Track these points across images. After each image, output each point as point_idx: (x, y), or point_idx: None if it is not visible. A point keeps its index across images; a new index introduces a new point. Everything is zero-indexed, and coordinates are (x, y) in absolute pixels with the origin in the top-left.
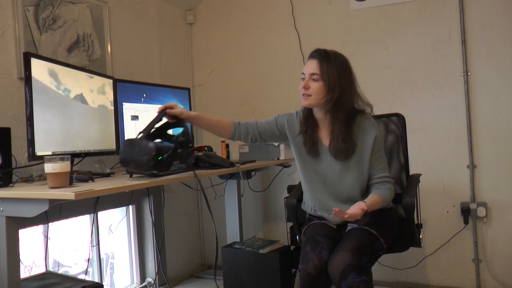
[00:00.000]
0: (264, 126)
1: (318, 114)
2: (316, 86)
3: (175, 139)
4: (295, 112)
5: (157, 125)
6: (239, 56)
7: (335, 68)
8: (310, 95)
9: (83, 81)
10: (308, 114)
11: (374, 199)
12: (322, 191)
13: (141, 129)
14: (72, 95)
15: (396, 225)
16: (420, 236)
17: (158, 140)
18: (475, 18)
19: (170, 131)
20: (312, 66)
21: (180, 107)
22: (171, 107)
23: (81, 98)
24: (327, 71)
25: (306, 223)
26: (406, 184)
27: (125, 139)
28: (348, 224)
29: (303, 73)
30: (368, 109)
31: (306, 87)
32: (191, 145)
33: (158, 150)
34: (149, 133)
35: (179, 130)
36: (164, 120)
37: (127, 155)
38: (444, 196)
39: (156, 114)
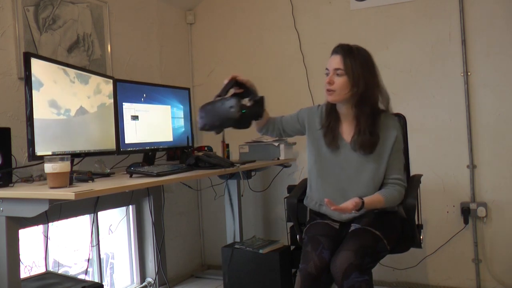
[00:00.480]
0: (288, 121)
1: (342, 109)
2: (340, 81)
3: (251, 98)
4: (317, 106)
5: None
6: (239, 56)
7: (358, 63)
8: (334, 90)
9: (80, 92)
10: (331, 109)
11: (375, 197)
12: (333, 185)
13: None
14: (73, 113)
15: (400, 226)
16: (421, 237)
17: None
18: (475, 18)
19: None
20: (336, 61)
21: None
22: (237, 76)
23: (81, 111)
24: (351, 66)
25: (308, 223)
26: (407, 185)
27: (202, 105)
28: (352, 224)
29: (326, 69)
30: (384, 104)
31: (330, 82)
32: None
33: (240, 102)
34: (226, 93)
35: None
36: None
37: (210, 115)
38: (444, 196)
39: (225, 83)
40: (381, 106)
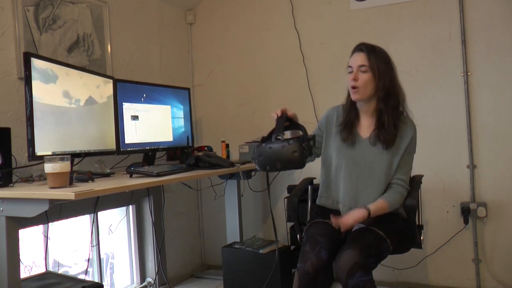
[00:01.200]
0: (316, 139)
1: (364, 106)
2: (365, 78)
3: (303, 137)
4: (336, 106)
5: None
6: (239, 56)
7: (381, 59)
8: (359, 87)
9: (89, 82)
10: (351, 106)
11: (380, 204)
12: (347, 181)
13: (265, 134)
14: (82, 103)
15: (402, 227)
16: (421, 237)
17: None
18: (475, 18)
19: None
20: (360, 58)
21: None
22: (284, 110)
23: (90, 101)
24: (375, 62)
25: (309, 222)
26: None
27: (259, 144)
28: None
29: (350, 66)
30: (401, 103)
31: (355, 79)
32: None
33: (302, 147)
34: (282, 132)
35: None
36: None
37: (272, 158)
38: (444, 196)
39: (276, 116)
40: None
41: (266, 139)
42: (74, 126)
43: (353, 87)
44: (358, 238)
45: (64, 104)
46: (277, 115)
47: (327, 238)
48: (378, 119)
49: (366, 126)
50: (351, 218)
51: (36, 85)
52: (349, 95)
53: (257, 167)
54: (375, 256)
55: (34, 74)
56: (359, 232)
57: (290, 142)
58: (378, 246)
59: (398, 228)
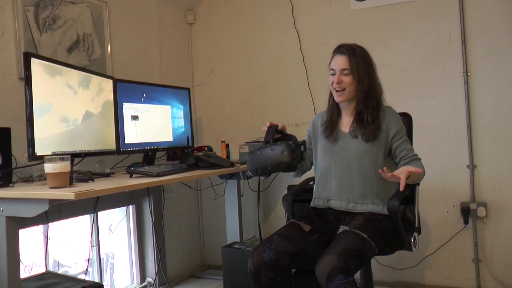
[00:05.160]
0: (308, 147)
1: (346, 106)
2: (348, 80)
3: (294, 142)
4: (322, 112)
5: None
6: (239, 56)
7: (361, 61)
8: (343, 89)
9: (83, 97)
10: (333, 106)
11: (417, 166)
12: (338, 176)
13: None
14: (79, 121)
15: (389, 229)
16: (412, 240)
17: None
18: (475, 18)
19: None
20: (342, 61)
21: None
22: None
23: (87, 115)
24: (356, 65)
25: (287, 219)
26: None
27: (250, 151)
28: (340, 226)
29: (332, 69)
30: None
31: (339, 82)
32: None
33: (290, 146)
34: (272, 139)
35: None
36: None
37: (263, 160)
38: (444, 196)
39: (264, 129)
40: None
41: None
42: (74, 128)
43: (337, 90)
44: (338, 241)
45: (63, 130)
46: (267, 127)
47: (285, 240)
48: (357, 116)
49: (347, 123)
50: (402, 172)
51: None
52: (331, 95)
53: (249, 173)
54: (357, 259)
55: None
56: (341, 235)
57: (278, 143)
58: (360, 248)
59: (384, 230)
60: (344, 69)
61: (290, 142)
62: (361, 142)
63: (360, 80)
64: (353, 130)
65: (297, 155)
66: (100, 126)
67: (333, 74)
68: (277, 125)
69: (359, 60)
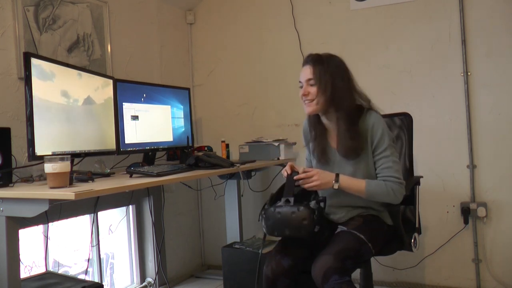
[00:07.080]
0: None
1: (325, 120)
2: (314, 91)
3: (313, 198)
4: (307, 117)
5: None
6: (239, 56)
7: (328, 70)
8: (311, 100)
9: (88, 83)
10: (315, 122)
11: (355, 179)
12: (332, 195)
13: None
14: (80, 103)
15: (386, 230)
16: (412, 241)
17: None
18: (475, 18)
19: None
20: (307, 72)
21: (299, 166)
22: (293, 167)
23: (88, 101)
24: (319, 75)
25: None
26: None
27: (268, 206)
28: (338, 226)
29: (300, 81)
30: (366, 104)
31: (305, 94)
32: (323, 203)
33: (313, 215)
34: (293, 195)
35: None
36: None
37: (280, 223)
38: (444, 196)
39: (286, 174)
40: (361, 104)
41: (275, 200)
42: (74, 126)
43: (305, 102)
44: (335, 242)
45: (63, 104)
46: (287, 173)
47: (299, 244)
48: (337, 125)
49: (333, 134)
50: (320, 178)
51: (34, 82)
52: None
53: (264, 230)
54: (353, 259)
55: (33, 71)
56: (338, 235)
57: (300, 208)
58: (357, 249)
59: (382, 231)
60: (309, 79)
61: (311, 205)
62: (351, 160)
63: (322, 90)
64: (341, 146)
65: (317, 220)
66: (99, 119)
67: (301, 87)
68: (298, 172)
69: (324, 69)
